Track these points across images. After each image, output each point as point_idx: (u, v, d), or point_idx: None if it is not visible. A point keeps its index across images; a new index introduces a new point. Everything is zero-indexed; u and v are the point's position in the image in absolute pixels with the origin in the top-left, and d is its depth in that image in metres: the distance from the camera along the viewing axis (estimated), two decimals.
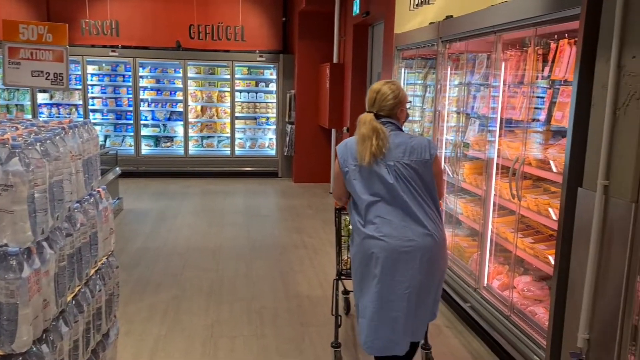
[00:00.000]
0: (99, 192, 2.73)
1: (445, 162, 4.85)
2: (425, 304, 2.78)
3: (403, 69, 5.98)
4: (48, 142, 2.03)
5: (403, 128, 2.88)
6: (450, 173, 4.71)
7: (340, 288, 3.79)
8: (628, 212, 2.33)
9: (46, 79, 3.21)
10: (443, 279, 2.91)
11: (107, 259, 2.81)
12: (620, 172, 2.39)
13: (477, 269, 4.04)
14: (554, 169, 3.34)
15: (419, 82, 5.67)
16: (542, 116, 3.58)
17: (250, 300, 4.43)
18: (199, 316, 4.13)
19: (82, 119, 2.70)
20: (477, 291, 3.96)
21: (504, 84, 3.91)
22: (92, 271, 2.57)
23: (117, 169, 7.33)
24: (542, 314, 3.40)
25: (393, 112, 2.78)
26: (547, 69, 3.49)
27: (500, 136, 3.92)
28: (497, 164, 3.91)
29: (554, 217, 3.29)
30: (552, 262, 3.13)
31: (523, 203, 3.56)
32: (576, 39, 2.86)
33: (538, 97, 3.65)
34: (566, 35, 3.21)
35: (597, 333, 2.58)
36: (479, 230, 4.10)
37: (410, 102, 3.01)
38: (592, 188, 2.55)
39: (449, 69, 4.71)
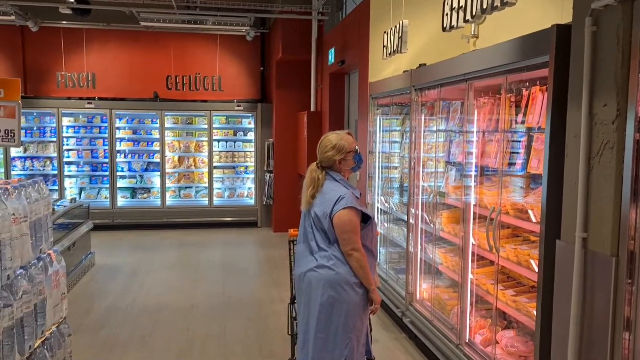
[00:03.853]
0: (49, 255, 2.55)
1: (422, 210, 4.73)
2: (309, 335, 3.03)
3: (379, 116, 5.95)
4: None
5: (348, 175, 3.20)
6: (427, 221, 4.59)
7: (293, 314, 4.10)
8: (609, 266, 2.21)
9: None
10: (333, 323, 2.97)
11: (57, 327, 2.59)
12: (599, 224, 2.28)
13: (458, 322, 3.86)
14: (533, 219, 3.23)
15: (397, 128, 5.63)
16: (518, 163, 3.51)
17: None
18: None
19: (32, 178, 2.55)
20: (459, 347, 3.77)
21: (479, 131, 3.85)
22: (38, 342, 2.35)
23: (90, 222, 7.10)
24: None
25: (332, 163, 3.09)
26: (520, 115, 3.43)
27: (477, 184, 3.83)
28: (475, 212, 3.81)
29: (535, 269, 3.17)
30: (535, 315, 2.98)
31: (502, 253, 3.43)
32: (547, 85, 2.81)
33: (513, 143, 3.59)
34: (537, 82, 3.17)
35: None
36: (459, 281, 3.95)
37: (357, 150, 3.16)
38: (571, 240, 2.43)
39: (423, 116, 4.66)
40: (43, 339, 2.41)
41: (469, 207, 3.81)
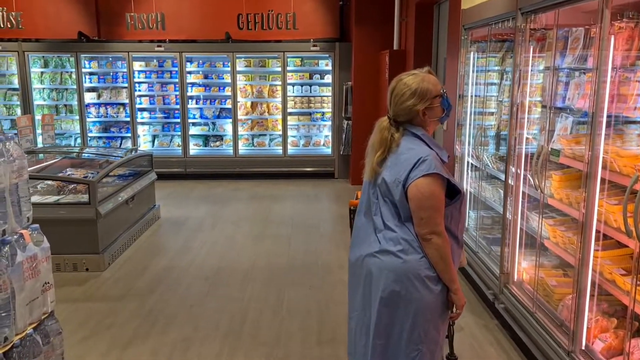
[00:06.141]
0: (21, 235, 1.95)
1: (525, 169, 3.76)
2: (367, 340, 2.29)
3: (473, 54, 4.90)
4: None
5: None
6: (532, 184, 3.62)
7: None
8: None
9: None
10: (396, 328, 2.22)
11: (36, 327, 2.02)
12: None
13: (571, 320, 2.95)
14: None
15: (495, 68, 4.60)
16: None
17: (273, 346, 3.56)
18: None
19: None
20: (572, 355, 2.88)
21: (612, 67, 2.80)
22: None
23: (153, 173, 6.69)
24: None
25: (413, 115, 2.27)
26: None
27: (606, 138, 2.81)
28: (602, 177, 2.82)
29: None
30: None
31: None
32: None
33: None
34: None
35: None
36: (575, 265, 3.02)
37: (444, 92, 2.32)
38: None
39: (531, 49, 3.61)
40: (8, 347, 1.84)
41: (594, 168, 2.81)
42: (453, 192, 2.25)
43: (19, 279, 1.88)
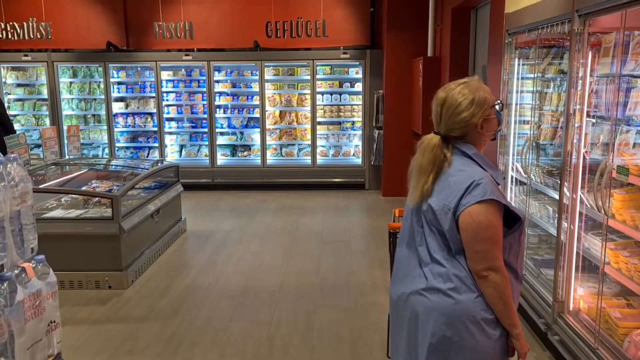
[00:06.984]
0: (23, 270, 1.72)
1: (581, 186, 3.41)
2: None
3: (517, 60, 4.57)
4: None
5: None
6: (590, 205, 3.27)
7: None
8: None
9: None
10: None
11: None
12: None
13: None
14: None
15: (531, 75, 4.30)
16: None
17: None
18: None
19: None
20: None
21: None
22: None
23: (179, 185, 6.50)
24: None
25: (469, 129, 1.97)
26: None
27: None
28: None
29: None
30: None
31: None
32: None
33: None
34: None
35: None
36: None
37: (500, 102, 2.05)
38: None
39: (590, 54, 3.28)
40: None
41: None
42: (510, 220, 1.95)
43: (18, 320, 1.65)
